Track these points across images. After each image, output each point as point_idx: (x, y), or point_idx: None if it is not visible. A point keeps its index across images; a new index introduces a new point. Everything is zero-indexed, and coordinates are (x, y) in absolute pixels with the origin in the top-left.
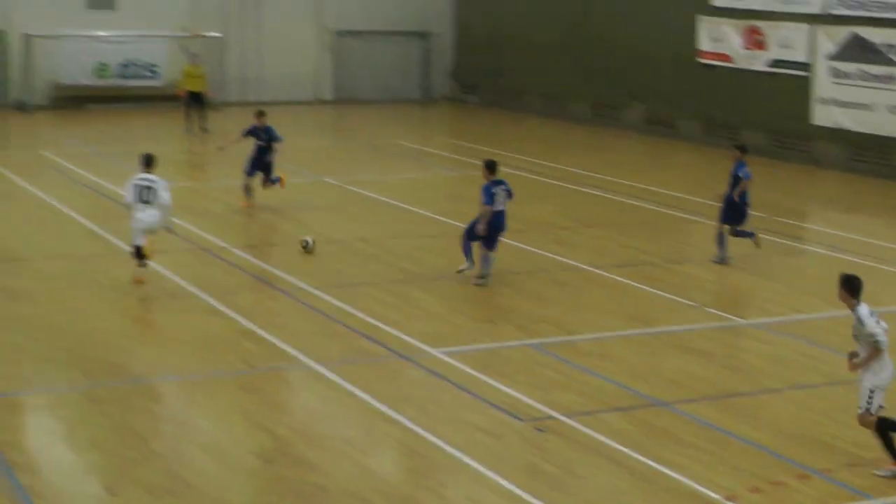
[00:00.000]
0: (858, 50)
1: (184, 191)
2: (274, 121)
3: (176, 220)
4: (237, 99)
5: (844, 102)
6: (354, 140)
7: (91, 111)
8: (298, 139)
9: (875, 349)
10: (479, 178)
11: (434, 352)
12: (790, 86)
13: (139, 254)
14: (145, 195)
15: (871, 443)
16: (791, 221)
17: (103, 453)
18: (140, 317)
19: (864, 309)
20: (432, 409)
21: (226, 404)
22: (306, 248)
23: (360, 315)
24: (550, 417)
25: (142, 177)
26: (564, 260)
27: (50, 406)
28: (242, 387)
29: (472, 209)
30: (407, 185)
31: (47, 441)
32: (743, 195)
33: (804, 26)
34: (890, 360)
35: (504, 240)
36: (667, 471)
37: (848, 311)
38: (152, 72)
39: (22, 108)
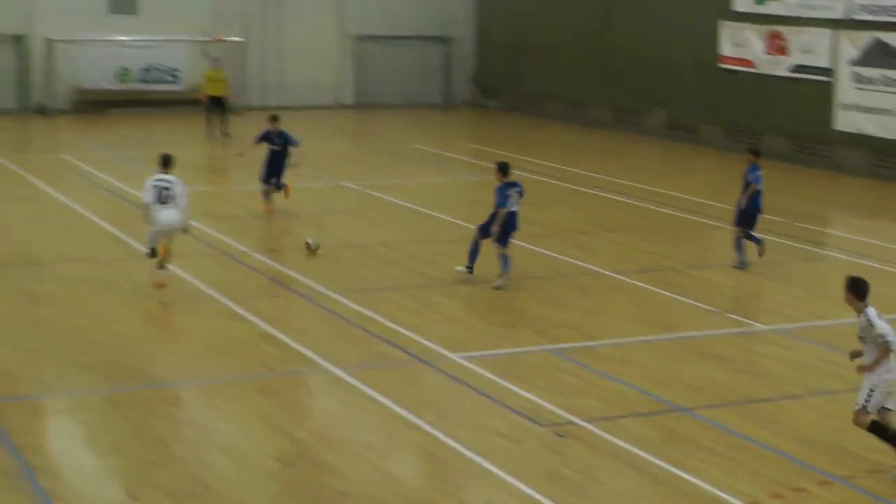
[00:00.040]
0: (881, 55)
1: (204, 195)
2: (295, 125)
3: (197, 224)
4: (258, 103)
5: (866, 108)
6: (375, 144)
7: (112, 115)
8: (319, 144)
9: (886, 349)
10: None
11: (454, 356)
12: (812, 91)
13: (154, 254)
14: (164, 196)
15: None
16: (812, 227)
17: (124, 457)
18: (161, 321)
19: (872, 310)
20: (452, 414)
21: (246, 408)
22: (310, 249)
23: (381, 319)
24: (570, 423)
25: (160, 178)
26: (585, 265)
27: (71, 410)
28: (262, 390)
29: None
30: (427, 189)
31: (68, 445)
32: (755, 199)
33: (826, 31)
34: (895, 361)
35: (524, 244)
36: (687, 476)
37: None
38: (174, 76)
39: (44, 112)
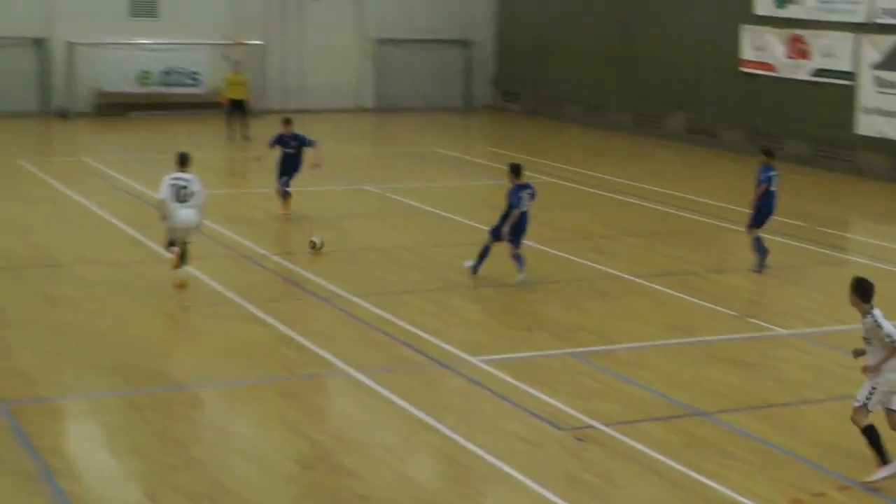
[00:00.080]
0: None
1: (225, 198)
2: (314, 128)
3: (217, 227)
4: (278, 107)
5: (888, 111)
6: (395, 148)
7: (133, 118)
8: (339, 147)
9: (893, 350)
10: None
11: (474, 360)
12: (833, 95)
13: (173, 243)
14: (183, 195)
15: None
16: (833, 231)
17: (144, 459)
18: (180, 323)
19: (878, 312)
20: (472, 418)
21: (265, 411)
22: (314, 248)
23: (400, 323)
24: (590, 427)
25: (177, 176)
26: (604, 269)
27: (91, 412)
28: (282, 393)
29: None
30: (447, 193)
31: (88, 447)
32: (768, 200)
33: (848, 35)
34: None
35: (544, 247)
36: (707, 481)
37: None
38: (194, 79)
39: (64, 115)
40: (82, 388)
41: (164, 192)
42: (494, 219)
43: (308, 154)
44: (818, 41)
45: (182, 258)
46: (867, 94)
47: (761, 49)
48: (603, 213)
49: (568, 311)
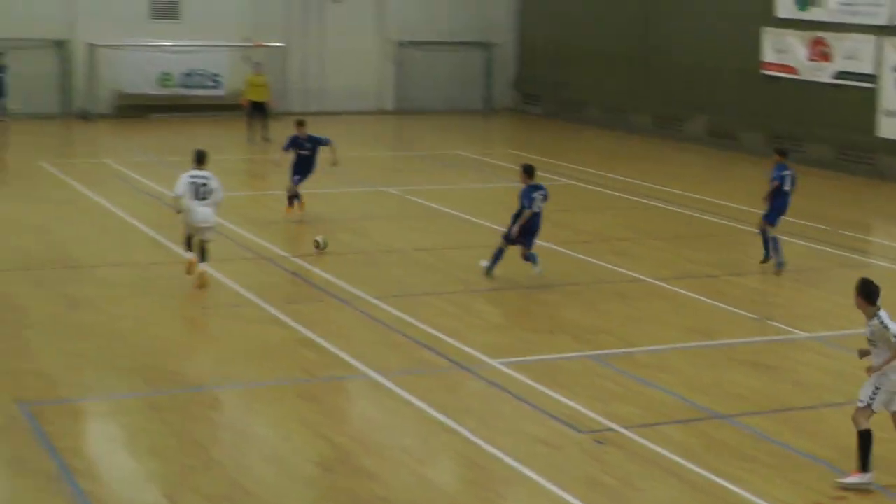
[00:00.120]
0: None
1: (245, 200)
2: (335, 130)
3: (237, 229)
4: (299, 109)
5: None
6: (415, 150)
7: (154, 120)
8: (360, 149)
9: None
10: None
11: (494, 363)
12: (856, 98)
13: (191, 245)
14: (202, 192)
15: None
16: (854, 234)
17: (163, 461)
18: (200, 325)
19: (884, 313)
20: (491, 420)
21: (285, 413)
22: (319, 248)
23: (420, 325)
24: (610, 429)
25: (195, 173)
26: (625, 271)
27: (111, 413)
28: (302, 395)
29: None
30: (468, 195)
31: (108, 448)
32: (783, 199)
33: (871, 38)
34: None
35: (564, 250)
36: (726, 484)
37: None
38: (215, 81)
39: (86, 116)
40: (103, 390)
41: (181, 188)
42: None
43: (324, 153)
44: (840, 44)
45: (202, 256)
46: (889, 96)
47: (783, 51)
48: (623, 215)
49: (588, 314)
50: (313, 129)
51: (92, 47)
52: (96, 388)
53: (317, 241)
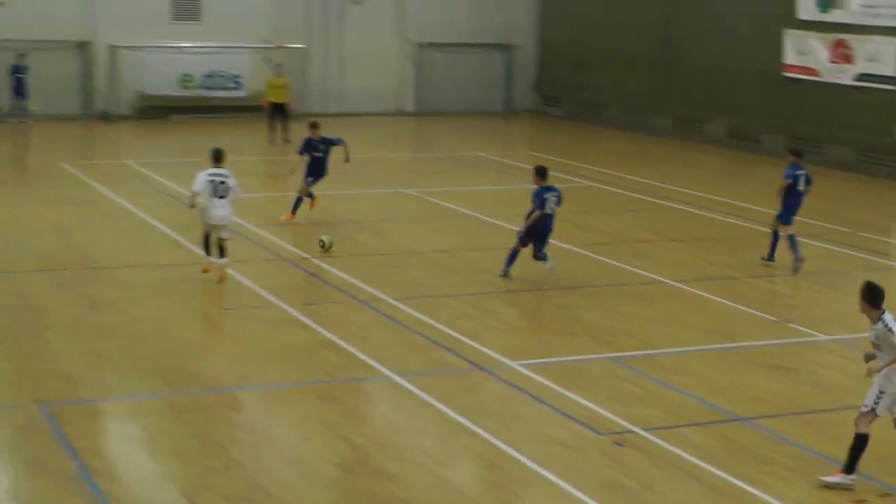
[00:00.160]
0: None
1: (265, 201)
2: (355, 132)
3: (258, 230)
4: (319, 110)
5: None
6: (435, 152)
7: (175, 121)
8: (379, 150)
9: None
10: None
11: (513, 364)
12: (877, 100)
13: (208, 246)
14: (221, 190)
15: None
16: (876, 237)
17: (183, 461)
18: (221, 326)
19: (889, 316)
20: (511, 422)
21: (306, 414)
22: (324, 248)
23: (440, 327)
24: (629, 431)
25: (214, 172)
26: (644, 273)
27: (131, 413)
28: (322, 397)
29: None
30: (488, 196)
31: (128, 448)
32: (797, 198)
33: (892, 40)
34: None
35: (584, 251)
36: (746, 486)
37: None
38: (236, 82)
39: (107, 118)
40: (123, 390)
41: (199, 185)
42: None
43: (336, 153)
44: (862, 46)
45: (220, 253)
46: None
47: (804, 53)
48: (643, 217)
49: (608, 316)
50: (334, 130)
51: (113, 49)
52: (116, 389)
53: (322, 241)
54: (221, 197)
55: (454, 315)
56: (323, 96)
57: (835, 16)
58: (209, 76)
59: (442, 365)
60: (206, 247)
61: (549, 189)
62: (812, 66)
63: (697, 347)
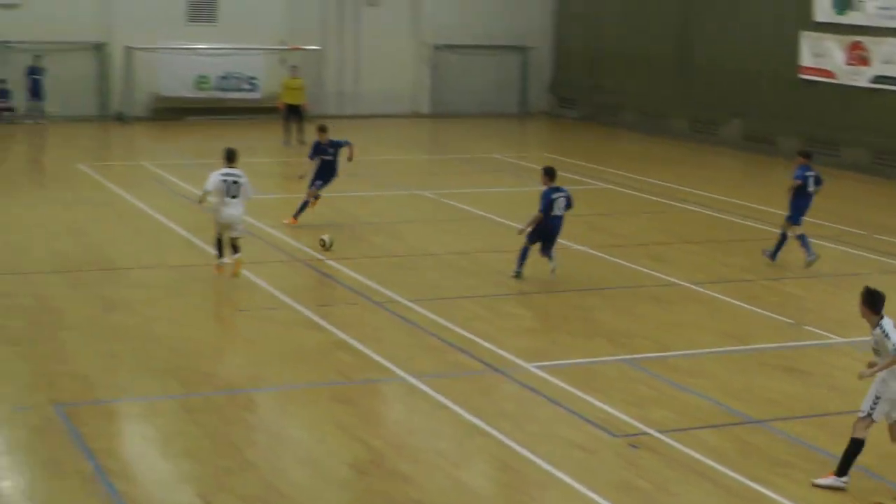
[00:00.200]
0: None
1: (280, 202)
2: (370, 134)
3: (272, 232)
4: (335, 112)
5: None
6: (450, 154)
7: (190, 123)
8: (395, 152)
9: (894, 360)
10: (574, 192)
11: (528, 366)
12: (893, 102)
13: (221, 247)
14: (234, 190)
15: None
16: (891, 239)
17: (198, 462)
18: (235, 327)
19: (888, 322)
20: (526, 424)
21: (320, 415)
22: (325, 247)
23: (455, 328)
24: (644, 433)
25: (227, 171)
26: (660, 275)
27: (145, 414)
28: (337, 398)
29: (566, 224)
30: (503, 198)
31: (143, 449)
32: (806, 199)
33: None
34: None
35: (599, 253)
36: (761, 489)
37: None
38: (251, 84)
39: (122, 119)
40: (137, 391)
41: (212, 185)
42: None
43: (343, 153)
44: (878, 48)
45: (234, 249)
46: None
47: (820, 56)
48: (659, 219)
49: (623, 318)
50: (350, 132)
51: (129, 50)
52: (131, 390)
53: (322, 240)
54: (234, 196)
55: (469, 316)
56: (338, 98)
57: (851, 18)
58: (224, 78)
59: (457, 366)
60: (219, 248)
61: (557, 190)
62: (828, 68)
63: (712, 349)
